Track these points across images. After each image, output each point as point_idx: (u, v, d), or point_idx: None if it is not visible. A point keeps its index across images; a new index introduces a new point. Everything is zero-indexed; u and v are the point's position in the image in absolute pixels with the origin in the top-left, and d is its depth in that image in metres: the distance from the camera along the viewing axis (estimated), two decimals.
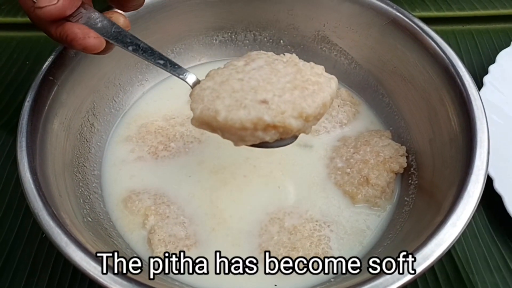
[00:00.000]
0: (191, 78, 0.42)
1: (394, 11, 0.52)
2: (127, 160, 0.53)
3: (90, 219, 0.44)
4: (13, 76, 0.64)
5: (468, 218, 0.39)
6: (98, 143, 0.53)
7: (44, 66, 0.47)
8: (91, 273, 0.35)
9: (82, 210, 0.44)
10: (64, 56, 0.48)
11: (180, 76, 0.42)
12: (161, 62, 0.42)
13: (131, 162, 0.52)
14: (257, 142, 0.39)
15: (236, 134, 0.38)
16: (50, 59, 0.48)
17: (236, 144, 0.40)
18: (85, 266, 0.36)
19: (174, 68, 0.42)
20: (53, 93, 0.46)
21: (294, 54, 0.42)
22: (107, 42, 0.41)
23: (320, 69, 0.41)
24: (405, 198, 0.50)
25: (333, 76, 0.41)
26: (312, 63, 0.41)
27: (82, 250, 0.36)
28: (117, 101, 0.56)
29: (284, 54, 0.42)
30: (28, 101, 0.44)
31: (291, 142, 0.41)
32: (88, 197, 0.47)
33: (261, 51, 0.42)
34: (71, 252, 0.36)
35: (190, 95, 0.40)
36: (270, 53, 0.42)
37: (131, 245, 0.46)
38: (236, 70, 0.40)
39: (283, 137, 0.39)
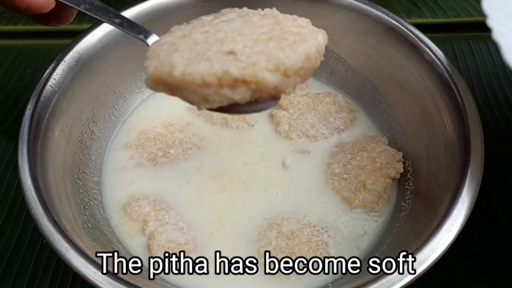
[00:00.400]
0: (152, 38, 0.38)
1: (390, 19, 0.53)
2: (127, 167, 0.53)
3: (90, 225, 0.45)
4: (14, 84, 0.65)
5: (463, 223, 0.40)
6: (98, 150, 0.53)
7: (45, 74, 0.48)
8: (92, 279, 0.36)
9: (82, 216, 0.45)
10: (65, 65, 0.49)
11: (139, 36, 0.38)
12: (117, 21, 0.38)
13: (130, 169, 0.53)
14: (224, 103, 0.33)
15: (197, 92, 0.32)
16: (50, 67, 0.48)
17: (199, 106, 0.33)
18: (86, 271, 0.36)
19: (131, 28, 0.38)
20: (53, 101, 0.47)
21: (274, 8, 0.37)
22: (58, 2, 0.37)
23: (305, 21, 0.36)
24: (402, 203, 0.51)
25: (321, 29, 0.36)
26: (295, 16, 0.37)
27: (82, 255, 0.37)
28: (117, 108, 0.57)
29: (262, 9, 0.37)
30: (29, 108, 0.45)
31: (270, 107, 0.35)
32: (88, 203, 0.48)
33: (236, 8, 0.38)
34: (71, 258, 0.37)
35: (147, 53, 0.35)
36: (245, 8, 0.38)
37: (130, 251, 0.47)
38: (202, 24, 0.35)
39: (258, 98, 0.33)
